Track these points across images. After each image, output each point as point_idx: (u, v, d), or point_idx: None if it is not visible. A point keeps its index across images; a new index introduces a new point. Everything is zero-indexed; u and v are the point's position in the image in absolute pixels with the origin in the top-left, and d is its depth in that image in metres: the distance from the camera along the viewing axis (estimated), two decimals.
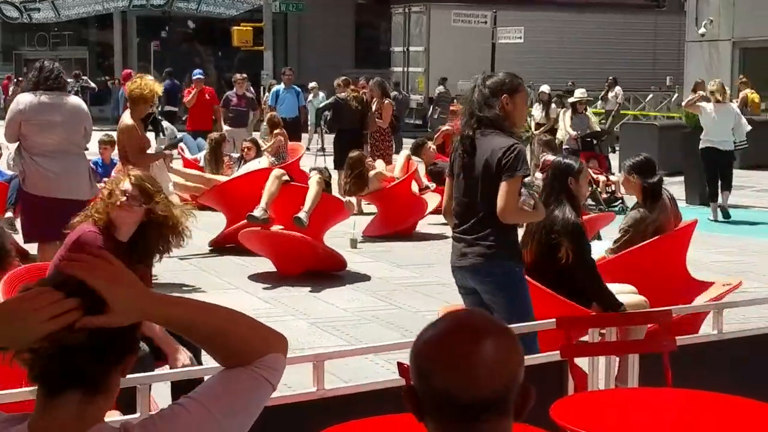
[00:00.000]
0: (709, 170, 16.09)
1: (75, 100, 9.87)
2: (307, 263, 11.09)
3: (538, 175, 12.15)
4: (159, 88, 10.65)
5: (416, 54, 37.46)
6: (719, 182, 16.00)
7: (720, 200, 16.04)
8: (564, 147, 17.80)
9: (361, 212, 16.05)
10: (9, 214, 12.47)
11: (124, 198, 5.69)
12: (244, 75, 22.51)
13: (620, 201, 16.55)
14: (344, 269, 11.32)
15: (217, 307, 2.46)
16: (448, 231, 13.97)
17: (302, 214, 10.68)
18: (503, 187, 5.70)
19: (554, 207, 6.71)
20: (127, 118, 10.33)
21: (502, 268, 5.88)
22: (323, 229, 11.42)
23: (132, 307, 2.24)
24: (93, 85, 34.75)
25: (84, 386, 2.23)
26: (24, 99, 9.39)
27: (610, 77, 31.03)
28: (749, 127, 16.40)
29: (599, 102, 30.06)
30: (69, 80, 31.76)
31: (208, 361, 4.56)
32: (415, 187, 14.62)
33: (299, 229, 10.78)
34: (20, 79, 39.98)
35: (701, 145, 16.07)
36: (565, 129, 18.34)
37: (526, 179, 5.96)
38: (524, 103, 6.13)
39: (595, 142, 18.37)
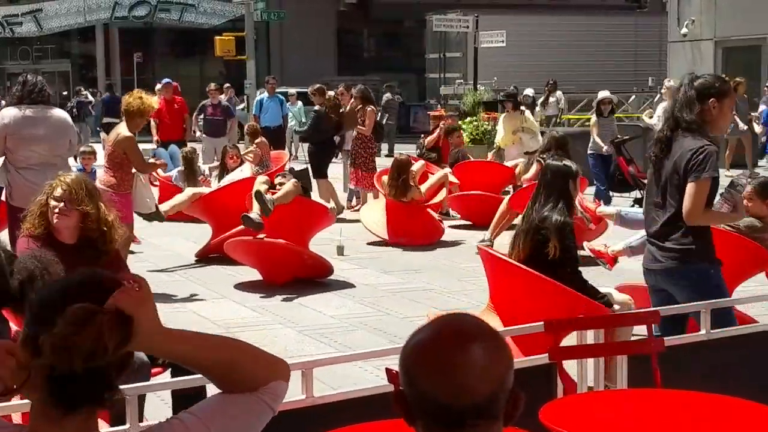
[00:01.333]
0: None
1: (59, 113, 9.89)
2: (293, 271, 11.08)
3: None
4: (155, 103, 10.73)
5: (453, 60, 37.83)
6: None
7: None
8: (589, 152, 17.37)
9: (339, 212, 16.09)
10: None
11: (60, 204, 5.96)
12: (227, 85, 22.43)
13: None
14: (330, 275, 11.30)
15: (223, 340, 2.47)
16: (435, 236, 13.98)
17: (252, 214, 10.68)
18: (689, 188, 5.69)
19: (551, 206, 6.83)
20: (124, 130, 10.29)
21: (696, 271, 5.86)
22: (308, 236, 11.41)
23: (150, 337, 2.25)
24: (91, 98, 34.50)
25: (97, 404, 2.24)
26: (8, 113, 9.49)
27: (550, 80, 29.71)
28: None
29: (538, 108, 28.80)
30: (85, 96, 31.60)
31: None
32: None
33: (282, 234, 10.80)
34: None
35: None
36: (593, 139, 17.51)
37: (734, 179, 5.89)
38: (730, 109, 6.06)
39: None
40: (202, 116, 21.33)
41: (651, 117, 20.14)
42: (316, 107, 17.05)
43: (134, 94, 10.54)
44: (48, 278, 3.73)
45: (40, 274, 3.73)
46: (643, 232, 6.88)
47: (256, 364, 2.46)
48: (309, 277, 11.17)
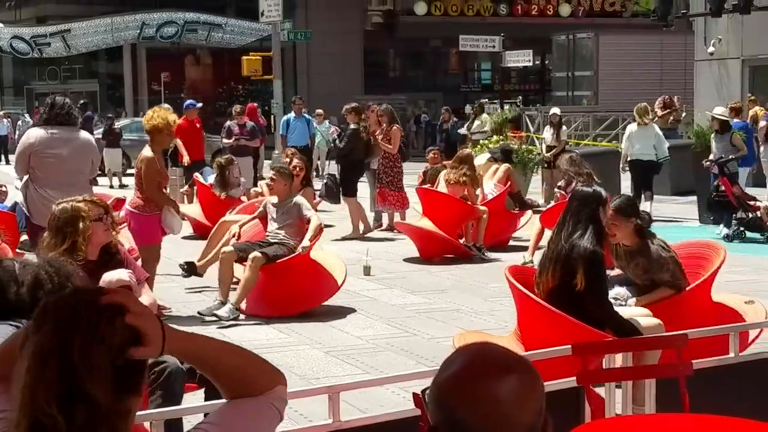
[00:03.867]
0: (634, 177, 18.61)
1: (84, 134, 10.13)
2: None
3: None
4: (172, 117, 10.51)
5: (582, 78, 38.21)
6: (641, 186, 18.30)
7: (642, 200, 17.82)
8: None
9: (361, 237, 16.06)
10: (24, 237, 12.55)
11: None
12: (254, 105, 22.43)
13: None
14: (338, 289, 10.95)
15: (226, 344, 2.52)
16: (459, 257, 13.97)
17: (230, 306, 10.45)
18: None
19: (580, 234, 6.68)
20: (147, 151, 10.31)
21: None
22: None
23: (161, 341, 2.25)
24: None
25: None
26: (35, 133, 9.76)
27: (477, 102, 28.87)
28: (667, 144, 18.71)
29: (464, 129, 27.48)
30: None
31: None
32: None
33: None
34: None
35: (629, 158, 18.55)
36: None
37: None
38: None
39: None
40: (228, 138, 21.34)
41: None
42: (352, 126, 17.02)
43: (152, 112, 10.48)
44: (59, 280, 3.67)
45: (49, 278, 3.66)
46: None
47: (259, 367, 2.51)
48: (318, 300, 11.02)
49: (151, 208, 10.17)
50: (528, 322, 7.15)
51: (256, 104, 22.90)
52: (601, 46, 37.63)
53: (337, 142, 17.31)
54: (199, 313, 10.45)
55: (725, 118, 17.74)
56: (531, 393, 2.20)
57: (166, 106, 11.30)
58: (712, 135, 17.54)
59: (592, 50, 37.86)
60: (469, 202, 14.33)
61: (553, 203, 14.51)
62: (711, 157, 16.95)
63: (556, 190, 14.69)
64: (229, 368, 2.44)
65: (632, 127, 18.89)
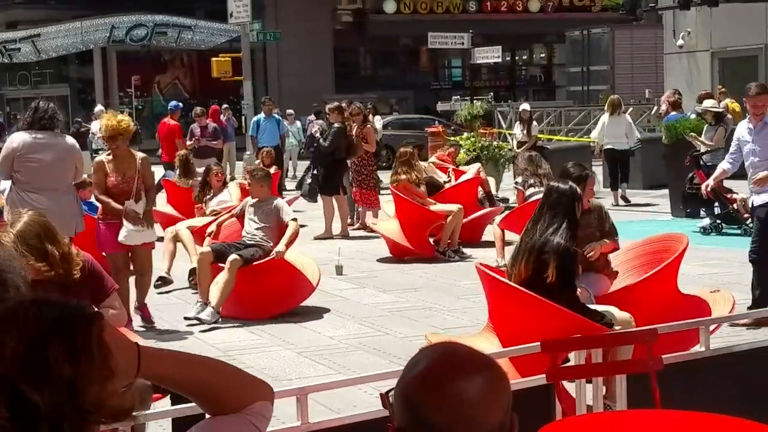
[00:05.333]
0: (610, 166, 20.02)
1: (67, 139, 10.15)
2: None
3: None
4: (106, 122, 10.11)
5: (598, 73, 38.40)
6: (619, 174, 19.68)
7: (620, 190, 19.67)
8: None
9: (346, 236, 16.01)
10: None
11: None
12: (225, 105, 22.62)
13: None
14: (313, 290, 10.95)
15: (202, 360, 2.45)
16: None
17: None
18: None
19: (554, 228, 6.70)
20: (100, 156, 10.32)
21: None
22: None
23: (130, 370, 2.20)
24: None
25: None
26: (18, 137, 9.83)
27: (369, 104, 27.96)
28: (638, 134, 20.79)
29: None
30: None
31: None
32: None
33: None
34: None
35: (604, 147, 19.88)
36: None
37: None
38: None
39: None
40: (192, 140, 21.48)
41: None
42: (336, 124, 16.93)
43: (108, 116, 10.20)
44: None
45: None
46: None
47: (238, 381, 2.44)
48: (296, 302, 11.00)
49: (106, 216, 10.09)
50: (500, 310, 7.13)
51: (221, 106, 23.06)
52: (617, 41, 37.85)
53: (321, 140, 17.16)
54: (185, 318, 10.41)
55: (718, 110, 17.80)
56: (497, 392, 2.17)
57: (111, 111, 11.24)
58: (705, 127, 17.50)
59: (607, 44, 37.93)
60: (426, 202, 14.30)
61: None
62: (701, 149, 16.88)
63: (514, 185, 14.64)
64: (205, 385, 2.39)
65: (605, 118, 20.03)
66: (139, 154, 10.13)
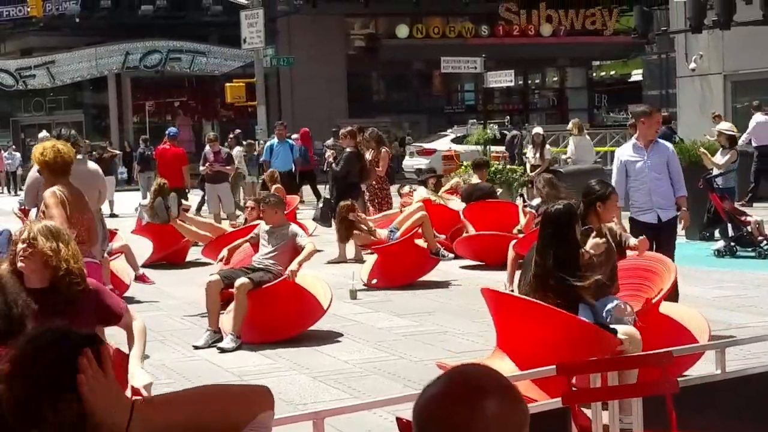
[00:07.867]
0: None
1: (90, 165, 10.33)
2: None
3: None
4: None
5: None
6: None
7: None
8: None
9: (360, 260, 16.01)
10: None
11: (23, 246, 5.56)
12: (238, 131, 22.75)
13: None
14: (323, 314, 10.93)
15: (201, 393, 2.47)
16: (448, 277, 13.97)
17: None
18: None
19: (556, 248, 6.84)
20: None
21: None
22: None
23: (109, 421, 2.24)
24: (117, 151, 34.75)
25: None
26: None
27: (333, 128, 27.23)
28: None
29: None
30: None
31: None
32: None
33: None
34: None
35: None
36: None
37: None
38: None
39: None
40: (206, 164, 21.62)
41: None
42: (348, 149, 16.97)
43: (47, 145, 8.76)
44: None
45: None
46: None
47: (235, 401, 2.47)
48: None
49: (84, 251, 8.98)
50: (510, 329, 7.17)
51: (234, 131, 23.33)
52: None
53: (333, 165, 17.20)
54: (194, 347, 10.43)
55: (732, 133, 17.80)
56: (511, 416, 2.18)
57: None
58: (719, 150, 17.51)
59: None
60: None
61: (523, 221, 14.43)
62: (715, 171, 16.89)
63: (527, 208, 14.57)
64: (209, 417, 2.41)
65: (574, 139, 22.83)
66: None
